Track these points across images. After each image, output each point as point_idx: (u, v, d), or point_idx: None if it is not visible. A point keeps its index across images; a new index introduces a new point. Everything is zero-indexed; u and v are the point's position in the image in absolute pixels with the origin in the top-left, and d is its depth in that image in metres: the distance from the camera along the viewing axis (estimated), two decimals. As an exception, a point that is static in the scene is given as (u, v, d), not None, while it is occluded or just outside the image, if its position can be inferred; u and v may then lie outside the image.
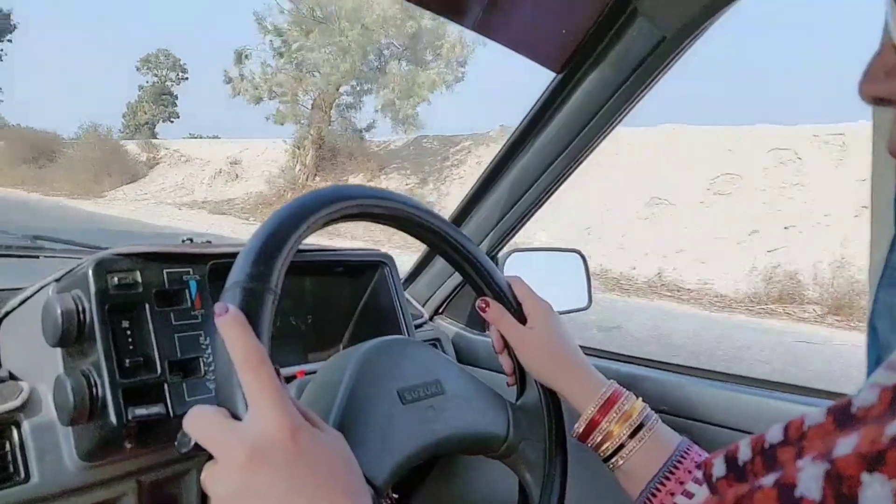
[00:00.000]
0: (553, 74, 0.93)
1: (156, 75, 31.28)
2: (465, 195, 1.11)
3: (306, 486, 0.41)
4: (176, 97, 31.71)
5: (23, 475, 0.66)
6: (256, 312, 0.46)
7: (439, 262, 1.24)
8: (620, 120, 0.95)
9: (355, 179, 15.31)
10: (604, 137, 0.97)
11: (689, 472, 0.62)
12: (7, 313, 0.78)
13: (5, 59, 27.35)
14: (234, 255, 0.78)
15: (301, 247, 0.55)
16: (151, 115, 29.97)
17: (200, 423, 0.43)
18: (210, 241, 0.90)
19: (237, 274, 0.48)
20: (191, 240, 0.89)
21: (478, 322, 1.23)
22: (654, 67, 0.86)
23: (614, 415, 0.66)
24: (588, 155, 0.98)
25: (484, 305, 0.73)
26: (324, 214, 0.55)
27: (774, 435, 0.48)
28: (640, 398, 0.69)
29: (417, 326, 1.17)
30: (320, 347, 1.02)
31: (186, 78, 31.60)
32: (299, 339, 1.00)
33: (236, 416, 0.43)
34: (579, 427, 0.67)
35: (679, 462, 0.63)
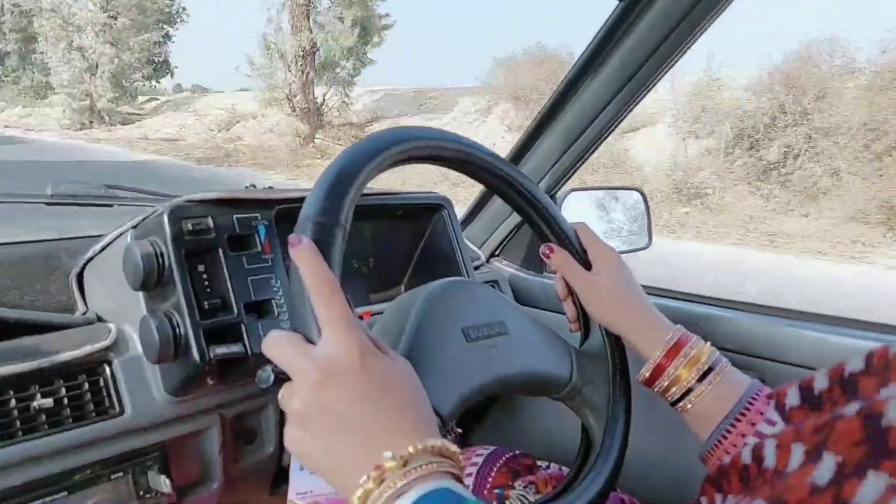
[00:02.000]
0: (614, 3, 0.88)
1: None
2: (524, 132, 1.08)
3: (375, 405, 0.43)
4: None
5: (117, 409, 0.71)
6: (328, 245, 0.48)
7: (495, 205, 1.23)
8: (686, 50, 0.90)
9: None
10: (668, 68, 0.92)
11: (761, 413, 0.61)
12: (89, 259, 0.82)
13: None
14: (299, 200, 0.80)
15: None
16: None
17: (277, 347, 0.46)
18: (272, 187, 0.91)
19: (309, 208, 0.49)
20: (254, 186, 0.91)
21: (534, 264, 1.23)
22: None
23: (682, 359, 0.65)
24: (651, 87, 0.94)
25: (548, 252, 0.72)
26: (392, 154, 0.56)
27: (855, 364, 0.47)
28: (709, 342, 0.68)
29: (475, 269, 1.17)
30: (382, 289, 1.04)
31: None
32: (361, 282, 1.02)
33: (310, 340, 0.45)
34: (646, 372, 0.67)
35: (750, 403, 0.62)
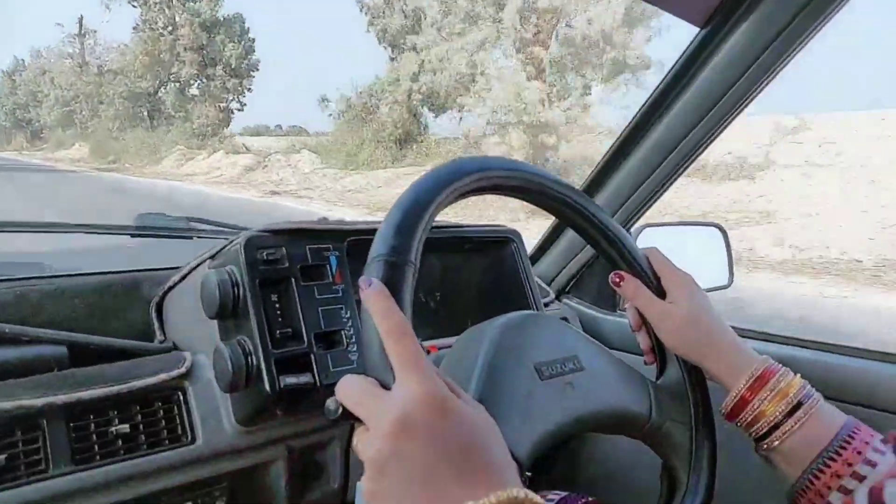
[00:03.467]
0: (695, 30, 0.85)
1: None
2: (597, 163, 1.05)
3: (453, 454, 0.41)
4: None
5: (189, 437, 0.72)
6: (398, 285, 0.47)
7: (564, 240, 1.20)
8: (772, 78, 0.86)
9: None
10: (752, 98, 0.88)
11: (859, 452, 0.56)
12: (169, 289, 0.84)
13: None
14: (370, 232, 0.81)
15: None
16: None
17: (351, 392, 0.44)
18: (343, 220, 0.92)
19: (379, 247, 0.49)
20: (325, 219, 0.92)
21: (606, 301, 1.18)
22: (818, 14, 0.76)
23: (768, 392, 0.61)
24: (734, 118, 0.90)
25: (618, 279, 0.69)
26: (458, 187, 0.55)
27: None
28: (798, 375, 0.62)
29: (545, 305, 1.14)
30: (448, 324, 1.02)
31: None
32: (428, 316, 1.00)
33: (384, 385, 0.44)
34: (728, 405, 0.63)
35: (846, 442, 0.57)
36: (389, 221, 0.50)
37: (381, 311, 0.45)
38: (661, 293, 0.68)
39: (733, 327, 0.70)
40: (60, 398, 0.65)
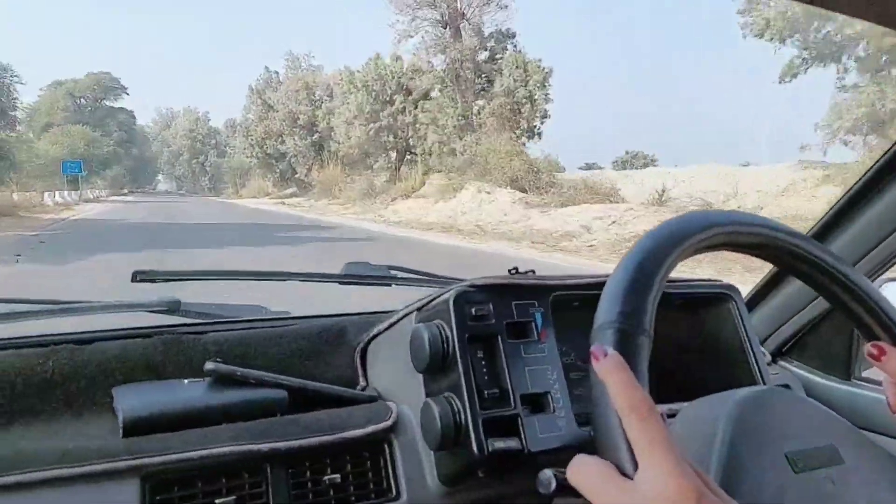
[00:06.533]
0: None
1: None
2: (832, 206, 0.91)
3: None
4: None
5: (394, 492, 0.71)
6: (634, 357, 0.42)
7: (782, 294, 1.05)
8: None
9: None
10: None
11: None
12: (374, 336, 0.86)
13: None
14: (574, 287, 0.76)
15: None
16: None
17: (588, 478, 0.40)
18: (534, 272, 0.88)
19: (609, 312, 0.44)
20: (517, 269, 0.89)
21: (838, 367, 1.01)
22: None
23: None
24: None
25: (877, 353, 0.57)
26: (692, 244, 0.49)
27: None
28: None
29: (760, 369, 1.00)
30: (653, 389, 0.94)
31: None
32: None
33: (624, 471, 0.39)
34: None
35: None
36: (619, 282, 0.45)
37: (620, 386, 0.39)
38: None
39: None
40: (284, 444, 0.68)
